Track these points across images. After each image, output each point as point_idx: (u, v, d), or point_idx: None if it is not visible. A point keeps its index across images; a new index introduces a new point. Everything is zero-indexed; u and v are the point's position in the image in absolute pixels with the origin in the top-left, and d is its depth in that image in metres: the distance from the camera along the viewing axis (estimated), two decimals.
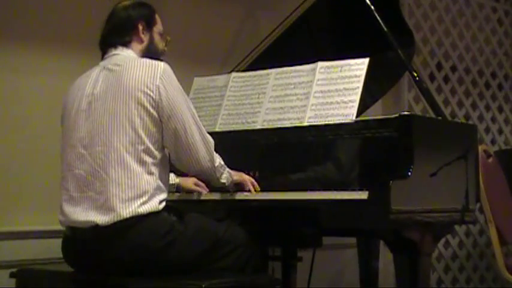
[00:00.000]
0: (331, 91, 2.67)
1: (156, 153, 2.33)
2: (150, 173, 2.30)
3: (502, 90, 4.99)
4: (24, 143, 3.07)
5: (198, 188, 2.67)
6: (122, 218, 2.23)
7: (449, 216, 2.64)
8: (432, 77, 4.60)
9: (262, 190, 2.58)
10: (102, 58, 2.47)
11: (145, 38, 2.49)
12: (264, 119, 2.78)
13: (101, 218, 2.24)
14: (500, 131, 4.96)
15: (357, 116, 2.58)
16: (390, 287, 3.96)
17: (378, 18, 2.89)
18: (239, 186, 2.57)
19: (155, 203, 2.28)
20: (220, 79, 3.01)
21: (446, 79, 4.67)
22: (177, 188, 2.67)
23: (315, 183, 2.55)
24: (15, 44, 3.09)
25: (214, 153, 2.43)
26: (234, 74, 2.99)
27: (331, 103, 2.64)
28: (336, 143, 2.59)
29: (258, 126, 2.77)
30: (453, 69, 4.71)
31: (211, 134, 2.47)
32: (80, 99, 2.40)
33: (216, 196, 2.61)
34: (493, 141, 4.91)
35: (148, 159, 2.30)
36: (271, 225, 2.69)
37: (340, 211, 2.40)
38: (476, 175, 2.77)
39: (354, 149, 2.55)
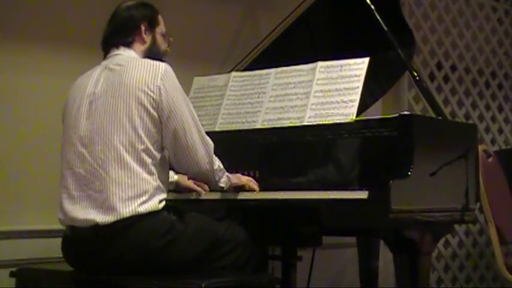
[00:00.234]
0: (331, 90, 2.67)
1: (156, 153, 2.33)
2: (150, 173, 2.30)
3: (502, 89, 4.99)
4: (24, 143, 3.07)
5: (196, 187, 2.67)
6: (121, 217, 2.23)
7: (449, 216, 2.64)
8: (432, 77, 4.60)
9: (262, 189, 2.58)
10: (105, 58, 2.47)
11: (147, 38, 2.49)
12: (264, 118, 2.78)
13: (100, 217, 2.25)
14: (500, 131, 4.96)
15: (357, 116, 2.58)
16: (390, 287, 3.96)
17: (378, 17, 2.89)
18: (239, 189, 2.57)
19: (155, 203, 2.28)
20: (220, 78, 3.01)
21: (446, 79, 4.67)
22: (176, 185, 2.67)
23: (314, 182, 2.55)
24: (16, 44, 3.08)
25: (214, 156, 2.43)
26: (234, 74, 2.99)
27: (331, 102, 2.65)
28: (336, 142, 2.59)
29: (258, 126, 2.77)
30: (453, 68, 4.71)
31: (211, 133, 2.47)
32: (81, 98, 2.40)
33: (216, 195, 2.60)
34: (493, 141, 4.91)
35: (148, 159, 2.30)
36: (271, 224, 2.69)
37: (340, 210, 2.40)
38: (476, 175, 2.77)
39: (354, 148, 2.55)
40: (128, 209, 2.24)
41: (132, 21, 2.47)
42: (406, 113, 2.53)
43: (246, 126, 2.80)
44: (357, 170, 2.51)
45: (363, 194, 2.32)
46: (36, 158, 3.08)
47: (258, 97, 2.84)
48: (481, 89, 4.84)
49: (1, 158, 3.02)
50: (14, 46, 3.08)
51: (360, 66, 2.67)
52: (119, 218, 2.23)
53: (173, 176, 2.64)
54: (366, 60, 2.66)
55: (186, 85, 2.71)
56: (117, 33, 2.46)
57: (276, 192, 2.54)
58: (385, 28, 2.87)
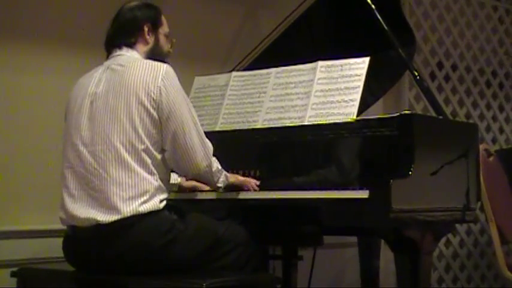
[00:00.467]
0: (331, 90, 2.67)
1: (156, 153, 2.33)
2: (151, 173, 2.30)
3: (502, 89, 4.98)
4: (25, 143, 3.07)
5: (200, 184, 2.67)
6: (122, 216, 2.23)
7: (450, 215, 2.64)
8: (433, 76, 4.59)
9: (263, 189, 2.58)
10: (107, 58, 2.47)
11: (150, 39, 2.49)
12: (264, 118, 2.78)
13: (101, 216, 2.25)
14: (501, 130, 4.96)
15: (357, 115, 2.58)
16: (391, 286, 3.96)
17: (379, 17, 2.89)
18: (236, 189, 2.57)
19: (156, 202, 2.28)
20: (221, 78, 3.01)
21: (447, 78, 4.67)
22: (179, 188, 2.67)
23: (315, 182, 2.55)
24: (17, 43, 3.09)
25: (213, 158, 2.43)
26: (234, 73, 2.99)
27: (332, 102, 2.65)
28: (336, 142, 2.59)
29: (259, 125, 2.77)
30: (454, 68, 4.70)
31: (211, 133, 2.47)
32: (82, 97, 2.41)
33: (216, 195, 2.61)
34: (493, 140, 4.91)
35: (148, 159, 2.30)
36: (271, 224, 2.69)
37: (341, 210, 2.40)
38: (477, 174, 2.76)
39: (355, 148, 2.55)
40: (128, 209, 2.24)
41: (136, 22, 2.47)
42: (406, 112, 2.53)
43: (246, 126, 2.80)
44: (358, 169, 2.51)
45: (363, 194, 2.32)
46: (36, 158, 3.08)
47: (259, 97, 2.84)
48: (481, 89, 4.84)
49: (1, 158, 3.02)
50: (15, 46, 3.08)
51: (360, 65, 2.66)
52: (120, 217, 2.23)
53: (177, 179, 2.65)
54: (367, 59, 2.66)
55: (187, 85, 2.71)
56: (120, 34, 2.46)
57: (277, 192, 2.54)
58: (386, 27, 2.87)
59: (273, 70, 2.87)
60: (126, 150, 2.28)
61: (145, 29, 2.47)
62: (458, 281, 4.63)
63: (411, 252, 2.50)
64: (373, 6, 2.91)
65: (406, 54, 2.90)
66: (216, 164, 2.45)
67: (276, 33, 3.18)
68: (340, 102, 2.63)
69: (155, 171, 2.31)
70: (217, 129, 2.85)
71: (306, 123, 2.65)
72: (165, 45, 2.54)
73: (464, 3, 4.75)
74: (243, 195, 2.56)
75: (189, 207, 2.53)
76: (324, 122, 2.62)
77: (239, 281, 2.29)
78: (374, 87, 3.15)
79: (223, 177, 2.49)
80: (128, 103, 2.30)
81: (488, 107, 4.88)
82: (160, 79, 2.31)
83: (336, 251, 3.95)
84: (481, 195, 2.86)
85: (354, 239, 3.33)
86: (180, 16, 3.44)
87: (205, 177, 2.46)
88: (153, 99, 2.30)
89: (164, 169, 2.38)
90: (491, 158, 3.76)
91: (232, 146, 2.72)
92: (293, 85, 2.78)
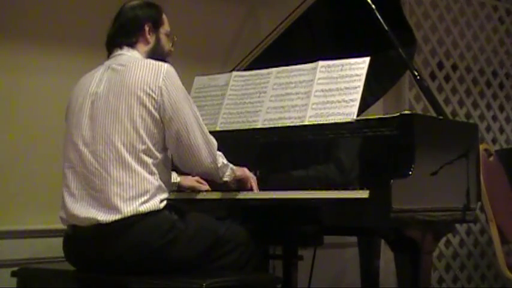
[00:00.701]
0: (332, 90, 2.67)
1: (157, 153, 2.33)
2: (151, 173, 2.30)
3: (503, 89, 4.98)
4: (25, 142, 3.07)
5: (198, 184, 2.67)
6: (123, 216, 2.24)
7: (450, 215, 2.64)
8: (433, 76, 4.59)
9: (263, 189, 2.58)
10: (108, 57, 2.47)
11: (151, 39, 2.49)
12: (264, 118, 2.78)
13: (102, 216, 2.25)
14: (502, 130, 4.96)
15: (357, 115, 2.58)
16: (391, 286, 3.96)
17: (379, 16, 2.89)
18: (241, 183, 2.57)
19: (156, 202, 2.29)
20: (221, 78, 3.01)
21: (447, 78, 4.67)
22: (178, 187, 2.67)
23: (315, 182, 2.55)
24: (17, 43, 3.09)
25: (217, 153, 2.43)
26: (235, 73, 2.99)
27: (332, 102, 2.65)
28: (336, 142, 2.59)
29: (259, 125, 2.77)
30: (454, 68, 4.70)
31: (212, 132, 2.47)
32: (83, 97, 2.41)
33: (217, 195, 2.61)
34: (494, 140, 4.91)
35: (149, 160, 2.30)
36: (272, 224, 2.69)
37: (341, 210, 2.40)
38: (477, 174, 2.76)
39: (355, 148, 2.55)
40: (129, 209, 2.24)
41: (137, 22, 2.47)
42: (407, 112, 2.53)
43: (246, 126, 2.80)
44: (358, 169, 2.51)
45: (364, 194, 2.32)
46: (36, 158, 3.08)
47: (259, 97, 2.84)
48: (482, 88, 4.84)
49: (1, 158, 3.02)
50: (15, 46, 3.08)
51: (360, 65, 2.66)
52: (120, 217, 2.24)
53: (176, 178, 2.65)
54: (367, 59, 2.66)
55: (187, 85, 2.71)
56: (121, 34, 2.46)
57: (277, 192, 2.54)
58: (386, 27, 2.87)
59: (273, 70, 2.87)
60: (127, 150, 2.28)
61: (146, 28, 2.47)
62: (459, 281, 4.63)
63: (411, 252, 2.50)
64: (373, 6, 2.90)
65: (407, 54, 2.90)
66: (221, 159, 2.45)
67: (276, 33, 3.18)
68: (340, 102, 2.63)
69: (156, 171, 2.32)
70: (217, 129, 2.85)
71: (306, 123, 2.65)
72: (166, 44, 2.54)
73: (465, 3, 4.75)
74: (243, 195, 2.56)
75: (190, 207, 2.53)
76: (324, 122, 2.62)
77: (239, 281, 2.29)
78: (374, 87, 3.15)
79: (229, 171, 2.49)
80: (129, 103, 2.30)
81: (489, 107, 4.88)
82: (161, 79, 2.31)
83: (336, 250, 3.95)
84: (481, 195, 2.86)
85: (354, 238, 3.33)
86: (180, 16, 3.43)
87: (211, 174, 2.46)
88: (155, 99, 2.30)
89: (165, 169, 2.38)
90: (491, 158, 3.76)
91: (232, 146, 2.72)
92: (293, 85, 2.78)
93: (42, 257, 2.95)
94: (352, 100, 2.61)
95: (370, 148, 2.51)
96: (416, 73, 2.88)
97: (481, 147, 3.48)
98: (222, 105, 2.92)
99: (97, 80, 2.41)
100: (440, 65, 4.63)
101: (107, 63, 2.45)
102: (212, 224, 2.44)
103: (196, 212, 2.47)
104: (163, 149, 2.37)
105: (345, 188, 2.42)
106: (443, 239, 4.41)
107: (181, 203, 2.59)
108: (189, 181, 2.67)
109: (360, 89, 2.61)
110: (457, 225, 4.17)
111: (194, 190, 2.67)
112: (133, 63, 2.36)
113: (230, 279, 2.27)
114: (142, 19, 2.47)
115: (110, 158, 2.28)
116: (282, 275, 2.91)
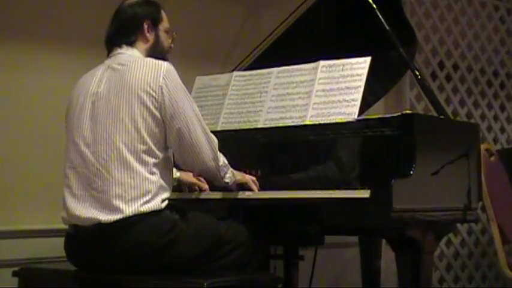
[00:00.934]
0: (333, 90, 2.67)
1: (158, 153, 2.33)
2: (152, 173, 2.30)
3: (504, 88, 4.98)
4: (26, 142, 3.07)
5: (198, 182, 2.67)
6: (124, 216, 2.24)
7: (451, 215, 2.64)
8: (434, 76, 4.59)
9: (264, 189, 2.58)
10: (108, 56, 2.47)
11: (150, 37, 2.48)
12: (265, 117, 2.78)
13: (103, 216, 2.25)
14: (503, 130, 4.96)
15: (358, 115, 2.58)
16: (392, 286, 3.96)
17: (380, 16, 2.89)
18: (241, 186, 2.57)
19: (158, 202, 2.29)
20: (222, 78, 3.01)
21: (448, 78, 4.66)
22: (178, 182, 2.66)
23: (316, 181, 2.55)
24: (17, 43, 3.09)
25: (218, 152, 2.43)
26: (235, 73, 3.00)
27: (333, 102, 2.64)
28: (337, 141, 2.59)
29: (260, 125, 2.77)
30: (455, 67, 4.70)
31: (213, 132, 2.47)
32: (84, 97, 2.41)
33: (218, 195, 2.61)
34: (495, 140, 4.91)
35: (151, 159, 2.30)
36: (272, 223, 2.69)
37: (342, 210, 2.40)
38: (478, 174, 2.76)
39: (356, 147, 2.55)
40: (130, 209, 2.24)
41: (135, 20, 2.46)
42: (408, 112, 2.53)
43: (248, 126, 2.80)
44: (359, 169, 2.51)
45: (365, 193, 2.32)
46: (36, 158, 3.08)
47: (260, 96, 2.84)
48: (483, 88, 4.83)
49: (1, 158, 3.02)
50: (15, 46, 3.08)
51: (361, 65, 2.66)
52: (121, 216, 2.24)
53: (176, 173, 2.65)
54: (368, 59, 2.66)
55: (188, 84, 2.71)
56: (120, 32, 2.46)
57: (278, 192, 2.54)
58: (387, 27, 2.87)
59: (274, 70, 2.87)
60: (128, 151, 2.28)
61: (145, 26, 2.46)
62: (460, 281, 4.62)
63: (412, 252, 2.50)
64: (374, 5, 2.90)
65: (407, 54, 2.90)
66: (222, 158, 2.45)
67: (277, 32, 3.18)
68: (341, 101, 2.63)
69: (157, 171, 2.31)
70: (218, 129, 2.85)
71: (307, 123, 2.65)
72: (165, 41, 2.53)
73: (466, 2, 4.75)
74: (244, 195, 2.56)
75: (191, 207, 2.53)
76: (325, 122, 2.61)
77: (240, 281, 2.29)
78: (375, 87, 3.15)
79: (230, 173, 2.50)
80: (130, 103, 2.30)
81: (490, 106, 4.88)
82: (161, 78, 2.31)
83: (337, 250, 3.95)
84: (482, 195, 2.86)
85: (355, 238, 3.33)
86: (181, 16, 3.43)
87: (212, 172, 2.46)
88: (155, 99, 2.30)
89: (166, 168, 2.38)
90: (492, 158, 3.76)
91: (233, 145, 2.72)
92: (294, 85, 2.78)
93: (43, 257, 2.95)
94: (353, 100, 2.60)
95: (371, 148, 2.51)
96: (417, 73, 2.88)
97: (482, 147, 3.48)
98: (223, 105, 2.92)
99: (97, 79, 2.41)
100: (441, 65, 4.62)
101: (107, 62, 2.44)
102: (213, 223, 2.44)
103: (197, 211, 2.47)
104: (165, 148, 2.37)
105: (346, 187, 2.42)
106: (445, 239, 4.41)
107: (182, 202, 2.59)
108: (189, 177, 2.67)
109: (361, 89, 2.61)
110: (458, 225, 4.18)
111: (194, 187, 2.67)
112: (133, 62, 2.36)
113: (231, 279, 2.27)
114: (141, 17, 2.46)
115: (111, 159, 2.28)
116: (283, 275, 2.91)
